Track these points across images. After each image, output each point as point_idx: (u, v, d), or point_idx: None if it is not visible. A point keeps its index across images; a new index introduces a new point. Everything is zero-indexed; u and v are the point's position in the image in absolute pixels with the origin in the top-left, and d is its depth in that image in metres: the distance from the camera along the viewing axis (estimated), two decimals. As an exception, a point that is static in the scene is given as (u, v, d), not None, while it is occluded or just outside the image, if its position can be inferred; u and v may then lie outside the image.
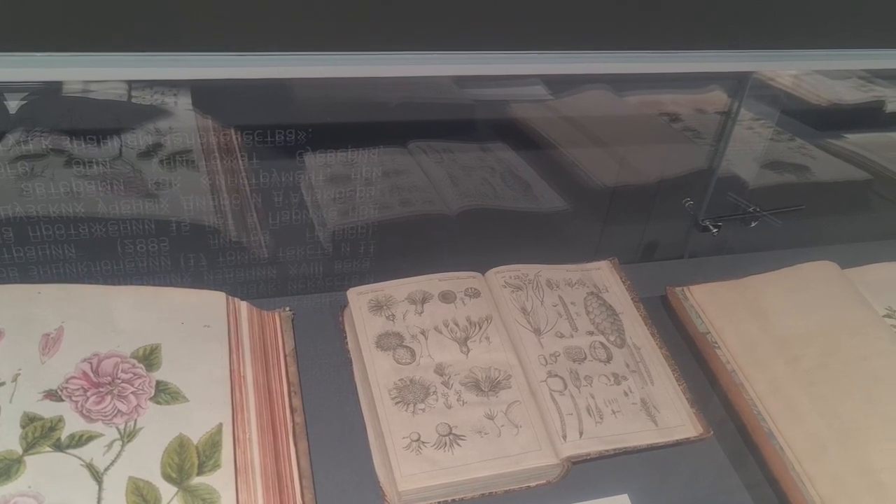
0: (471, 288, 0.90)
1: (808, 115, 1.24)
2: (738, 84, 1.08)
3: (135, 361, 0.75)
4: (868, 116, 1.28)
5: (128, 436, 0.69)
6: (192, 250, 0.95)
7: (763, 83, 1.14)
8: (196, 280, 0.96)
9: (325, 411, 0.80)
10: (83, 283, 0.83)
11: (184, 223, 0.92)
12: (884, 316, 0.94)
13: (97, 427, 0.69)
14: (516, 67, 0.84)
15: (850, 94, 1.26)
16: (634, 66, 0.88)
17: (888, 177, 1.26)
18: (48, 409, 0.69)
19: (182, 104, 0.89)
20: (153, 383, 0.73)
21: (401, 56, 0.79)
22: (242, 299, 0.86)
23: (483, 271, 0.94)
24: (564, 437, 0.77)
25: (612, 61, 0.86)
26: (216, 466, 0.68)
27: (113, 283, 0.83)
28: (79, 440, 0.67)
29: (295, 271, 1.01)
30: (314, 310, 0.92)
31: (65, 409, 0.69)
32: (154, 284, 0.86)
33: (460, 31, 0.79)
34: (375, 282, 0.91)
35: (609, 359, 0.85)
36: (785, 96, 1.18)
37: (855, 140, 1.28)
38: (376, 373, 0.80)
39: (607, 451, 0.77)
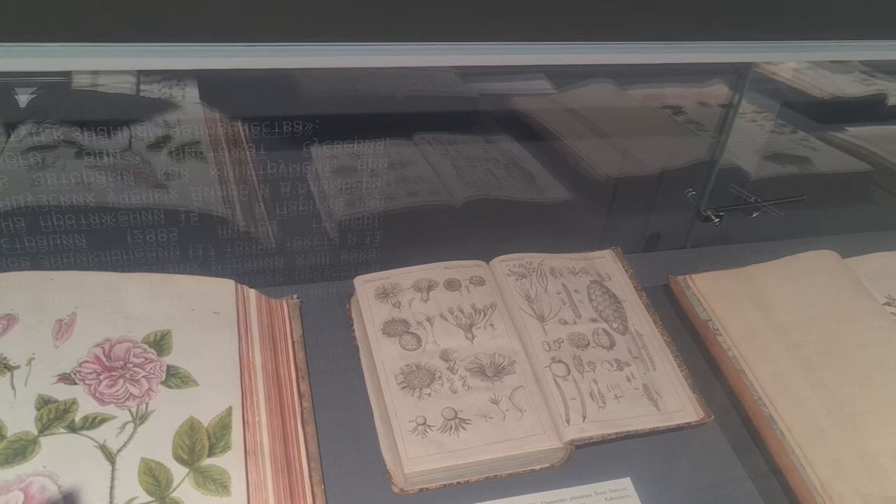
0: (476, 276, 0.91)
1: (810, 108, 1.25)
2: (739, 77, 1.09)
3: (146, 346, 0.76)
4: (870, 109, 1.29)
5: (140, 418, 0.70)
6: (200, 240, 0.96)
7: (765, 77, 1.15)
8: (205, 269, 0.97)
9: (332, 396, 0.81)
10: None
11: (193, 213, 0.93)
12: (884, 304, 0.95)
13: (110, 409, 0.70)
14: (519, 58, 0.85)
15: (852, 87, 1.27)
16: (636, 57, 0.88)
17: (889, 168, 1.27)
18: (62, 392, 0.70)
19: (190, 96, 0.90)
20: (164, 368, 0.75)
21: (406, 46, 0.80)
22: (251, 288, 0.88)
23: (488, 261, 0.95)
24: (568, 421, 0.78)
25: (614, 52, 0.87)
26: (226, 448, 0.70)
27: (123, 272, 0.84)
28: (92, 422, 0.69)
29: (302, 261, 1.02)
30: (321, 298, 0.93)
31: (78, 392, 0.71)
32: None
33: (464, 22, 0.80)
34: (382, 271, 0.92)
35: (612, 345, 0.86)
36: (787, 89, 1.19)
37: (856, 132, 1.29)
38: (383, 358, 0.81)
39: (610, 434, 0.78)
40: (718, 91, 1.13)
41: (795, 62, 1.16)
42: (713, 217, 1.11)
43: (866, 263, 1.01)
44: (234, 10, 0.73)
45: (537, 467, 0.77)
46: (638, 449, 0.80)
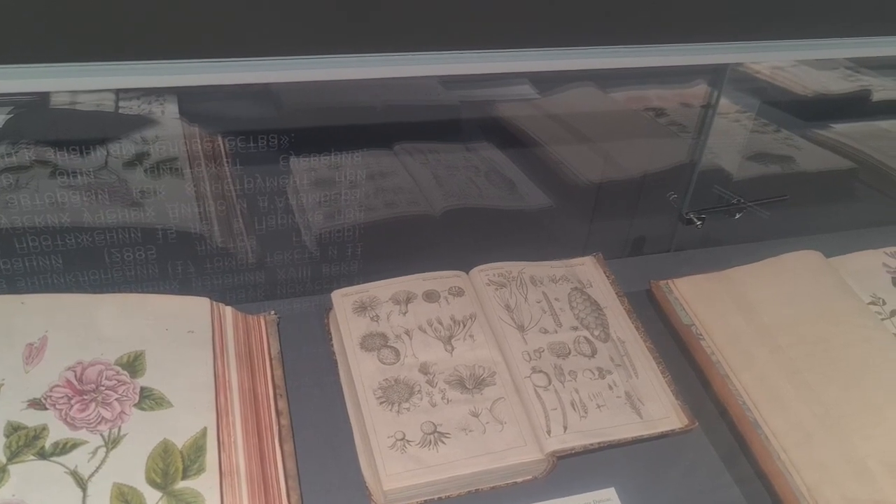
0: (455, 287, 0.90)
1: (794, 106, 1.25)
2: (717, 76, 1.08)
3: (119, 368, 0.75)
4: (854, 106, 1.29)
5: (112, 442, 0.69)
6: (179, 257, 0.95)
7: (748, 75, 1.15)
8: (184, 287, 0.96)
9: (311, 413, 0.80)
10: (70, 293, 0.83)
11: (170, 230, 0.92)
12: (868, 303, 0.94)
13: (81, 434, 0.69)
14: (500, 66, 0.85)
15: (836, 84, 1.26)
16: (615, 61, 0.88)
17: (873, 165, 1.26)
18: (32, 418, 0.69)
19: (169, 112, 0.89)
20: (137, 390, 0.74)
21: (383, 57, 0.80)
22: (231, 304, 0.87)
23: (469, 270, 0.94)
24: (549, 432, 0.77)
25: (593, 57, 0.87)
26: (201, 470, 0.69)
27: (100, 293, 0.83)
28: (63, 448, 0.68)
29: (282, 275, 1.01)
30: (301, 313, 0.92)
31: (49, 418, 0.70)
32: (142, 292, 0.87)
33: (444, 31, 0.80)
34: (363, 283, 0.91)
35: (593, 353, 0.85)
36: (770, 88, 1.19)
37: (840, 129, 1.28)
38: (361, 373, 0.80)
39: (592, 444, 0.77)
40: (701, 92, 1.12)
41: (775, 62, 1.15)
42: (695, 220, 1.10)
43: (850, 262, 1.00)
44: (213, 27, 0.73)
45: (519, 480, 0.76)
46: (622, 458, 0.79)
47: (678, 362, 0.89)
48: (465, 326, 0.86)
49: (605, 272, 0.96)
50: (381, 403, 0.78)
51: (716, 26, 0.89)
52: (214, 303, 0.85)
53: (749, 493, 0.77)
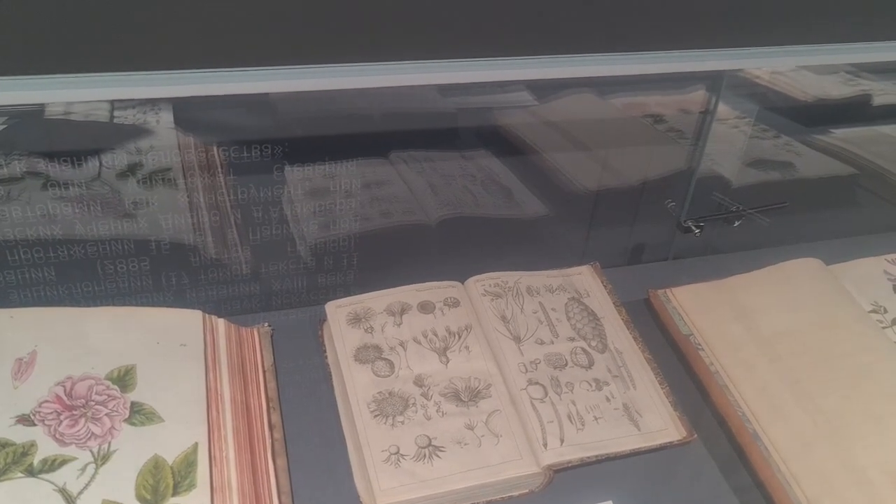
0: (450, 297, 0.89)
1: (794, 112, 1.24)
2: (714, 82, 1.07)
3: (109, 383, 0.74)
4: (855, 111, 1.28)
5: (101, 459, 0.68)
6: (172, 269, 0.94)
7: (748, 81, 1.14)
8: (178, 298, 0.96)
9: (304, 427, 0.79)
10: (64, 306, 0.83)
11: (164, 242, 0.92)
12: (869, 311, 0.93)
13: (70, 451, 0.68)
14: (495, 74, 0.84)
15: (836, 89, 1.25)
16: (613, 69, 0.87)
17: (874, 170, 1.25)
18: (20, 435, 0.68)
19: (164, 121, 0.89)
20: (128, 404, 0.73)
21: (379, 66, 0.79)
22: (225, 316, 0.86)
23: (464, 281, 0.93)
24: (545, 445, 0.76)
25: (590, 64, 0.86)
26: (191, 486, 0.68)
27: (94, 305, 0.83)
28: (52, 465, 0.67)
29: (278, 286, 1.00)
30: (295, 324, 0.91)
31: (37, 434, 0.69)
32: (136, 304, 0.86)
33: (442, 39, 0.79)
34: (359, 294, 0.90)
35: (590, 364, 0.84)
36: (770, 93, 1.18)
37: (841, 135, 1.27)
38: (355, 386, 0.79)
39: (589, 457, 0.76)
40: (701, 98, 1.11)
41: (774, 67, 1.14)
42: (694, 227, 1.09)
43: (851, 269, 0.99)
44: (207, 37, 0.72)
45: (516, 494, 0.75)
46: (620, 471, 0.78)
47: (677, 373, 0.88)
48: (460, 338, 0.85)
49: (602, 281, 0.95)
50: (375, 416, 0.77)
51: (714, 32, 0.88)
52: (207, 315, 0.84)
53: (749, 506, 0.77)
